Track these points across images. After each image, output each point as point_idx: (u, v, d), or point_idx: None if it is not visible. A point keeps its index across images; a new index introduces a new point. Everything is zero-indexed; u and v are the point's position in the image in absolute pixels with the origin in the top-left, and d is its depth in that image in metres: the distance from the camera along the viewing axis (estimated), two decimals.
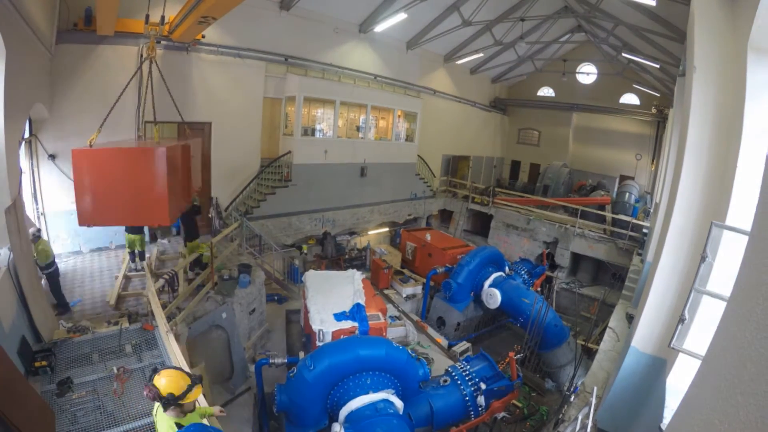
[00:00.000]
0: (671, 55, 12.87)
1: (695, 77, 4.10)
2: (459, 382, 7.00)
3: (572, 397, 6.51)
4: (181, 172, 7.32)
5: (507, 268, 12.45)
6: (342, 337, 7.15)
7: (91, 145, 6.22)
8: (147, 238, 9.66)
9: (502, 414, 7.20)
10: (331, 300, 8.23)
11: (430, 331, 11.15)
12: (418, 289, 12.97)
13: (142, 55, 9.89)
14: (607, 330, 8.51)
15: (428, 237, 14.35)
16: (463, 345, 10.79)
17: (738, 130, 3.49)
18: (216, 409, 3.72)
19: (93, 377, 4.76)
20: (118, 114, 9.84)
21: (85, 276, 8.67)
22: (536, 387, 10.26)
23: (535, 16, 16.52)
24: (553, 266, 15.72)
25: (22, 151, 7.92)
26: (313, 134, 14.39)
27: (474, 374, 7.12)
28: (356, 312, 7.85)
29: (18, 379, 3.65)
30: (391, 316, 10.52)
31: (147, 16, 8.23)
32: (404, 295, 12.76)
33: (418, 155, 18.41)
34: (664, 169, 9.74)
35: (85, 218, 6.17)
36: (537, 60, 22.99)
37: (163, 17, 8.31)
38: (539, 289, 13.27)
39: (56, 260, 7.27)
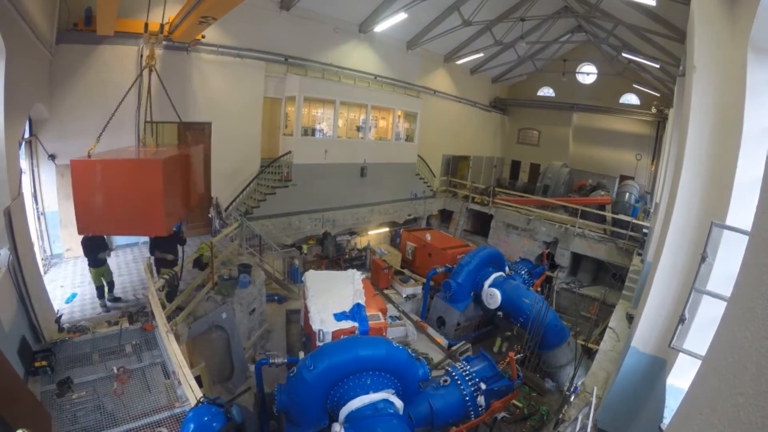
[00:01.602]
0: (671, 55, 12.87)
1: (695, 77, 4.10)
2: (459, 382, 7.00)
3: (572, 397, 6.51)
4: (180, 181, 7.32)
5: (507, 268, 12.44)
6: (342, 337, 7.15)
7: (89, 155, 6.07)
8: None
9: (503, 414, 7.19)
10: (331, 300, 8.22)
11: (430, 331, 11.15)
12: (418, 289, 12.96)
13: (142, 55, 9.91)
14: (607, 330, 8.50)
15: (428, 237, 14.34)
16: (465, 344, 10.75)
17: (738, 130, 3.49)
18: None
19: (93, 377, 4.76)
20: (118, 114, 9.87)
21: (85, 276, 8.67)
22: (536, 387, 10.26)
23: (535, 16, 16.52)
24: (553, 266, 15.71)
25: (22, 151, 7.92)
26: (313, 134, 14.38)
27: (474, 374, 7.11)
28: (356, 312, 7.85)
29: (14, 380, 3.64)
30: (391, 316, 10.51)
31: (146, 25, 8.12)
32: (404, 295, 12.76)
33: (418, 155, 18.41)
34: (664, 169, 9.73)
35: (84, 227, 6.15)
36: (537, 60, 22.99)
37: (162, 26, 8.28)
38: (539, 289, 13.26)
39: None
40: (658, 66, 15.07)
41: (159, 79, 8.39)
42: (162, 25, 8.24)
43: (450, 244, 14.34)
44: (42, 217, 9.12)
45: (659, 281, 4.47)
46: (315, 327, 7.43)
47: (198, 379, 5.55)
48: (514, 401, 8.39)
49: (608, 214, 15.99)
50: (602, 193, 18.79)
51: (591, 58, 22.34)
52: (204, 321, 7.16)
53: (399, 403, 6.10)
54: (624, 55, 17.37)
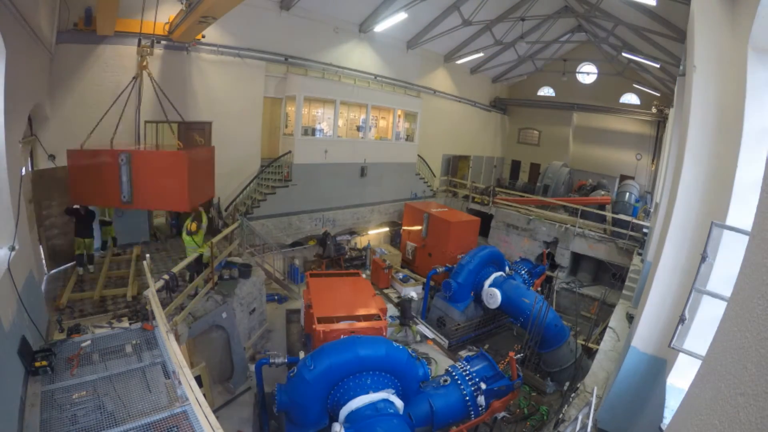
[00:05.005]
0: (671, 55, 12.86)
1: (695, 77, 4.10)
2: (459, 381, 7.00)
3: (572, 397, 6.51)
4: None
5: (507, 268, 12.44)
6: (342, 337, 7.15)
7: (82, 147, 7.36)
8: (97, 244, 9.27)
9: (503, 414, 7.19)
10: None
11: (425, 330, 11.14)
12: (419, 289, 12.96)
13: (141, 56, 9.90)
14: (608, 330, 8.49)
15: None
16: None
17: (738, 130, 3.49)
18: None
19: (93, 377, 4.75)
20: (118, 115, 9.83)
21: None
22: (536, 387, 10.25)
23: (536, 16, 16.51)
24: (553, 266, 15.70)
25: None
26: (313, 134, 14.38)
27: (474, 374, 7.12)
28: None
29: None
30: (391, 316, 10.52)
31: (139, 40, 8.60)
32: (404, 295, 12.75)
33: (419, 155, 18.41)
34: (665, 169, 9.72)
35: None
36: (537, 60, 22.98)
37: (153, 41, 8.70)
38: (539, 288, 13.26)
39: None
40: (658, 66, 15.06)
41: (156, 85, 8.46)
42: (153, 41, 8.69)
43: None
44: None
45: (659, 281, 4.47)
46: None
47: (198, 379, 5.55)
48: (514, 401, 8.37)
49: (608, 214, 15.98)
50: (602, 192, 18.79)
51: (591, 57, 22.33)
52: (204, 321, 7.16)
53: (399, 403, 6.10)
54: (624, 54, 17.37)
